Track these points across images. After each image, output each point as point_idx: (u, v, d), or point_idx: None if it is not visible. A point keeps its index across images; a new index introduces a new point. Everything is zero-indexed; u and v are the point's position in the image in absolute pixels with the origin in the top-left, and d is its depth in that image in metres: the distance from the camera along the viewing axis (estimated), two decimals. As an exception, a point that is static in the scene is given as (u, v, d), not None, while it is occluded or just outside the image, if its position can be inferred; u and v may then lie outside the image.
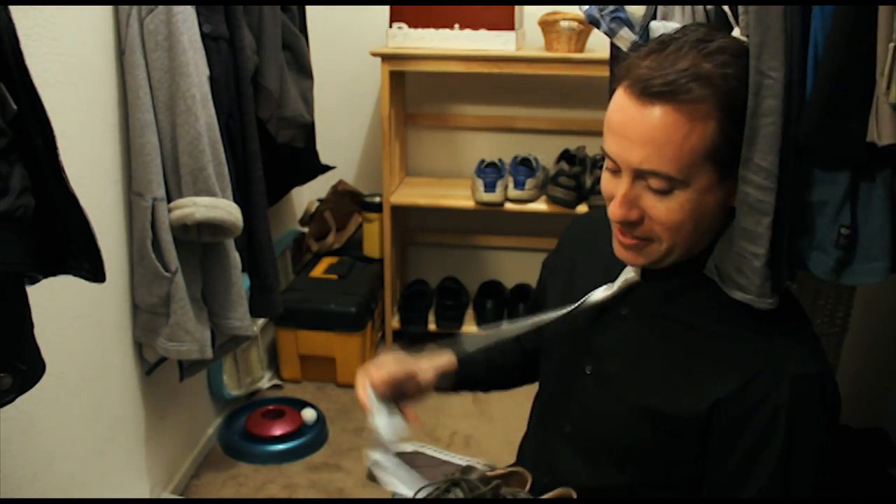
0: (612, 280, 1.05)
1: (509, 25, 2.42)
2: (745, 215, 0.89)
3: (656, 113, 0.87)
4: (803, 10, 0.86)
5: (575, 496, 1.01)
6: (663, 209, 0.90)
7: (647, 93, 0.87)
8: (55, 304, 1.44)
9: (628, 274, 1.03)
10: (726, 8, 0.97)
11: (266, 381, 2.53)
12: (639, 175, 0.90)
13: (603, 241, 1.07)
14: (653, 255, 0.96)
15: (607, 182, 0.96)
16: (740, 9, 0.93)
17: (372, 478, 1.10)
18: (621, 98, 0.91)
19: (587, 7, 1.19)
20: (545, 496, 1.03)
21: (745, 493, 0.91)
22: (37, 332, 1.03)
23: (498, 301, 2.80)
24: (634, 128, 0.89)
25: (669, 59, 0.88)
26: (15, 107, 0.91)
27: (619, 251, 0.99)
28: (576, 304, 1.06)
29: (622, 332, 1.04)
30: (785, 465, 0.89)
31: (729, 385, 0.91)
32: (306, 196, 2.93)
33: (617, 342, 1.04)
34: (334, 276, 2.65)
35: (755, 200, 0.87)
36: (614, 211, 0.93)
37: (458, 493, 1.01)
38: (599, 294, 1.05)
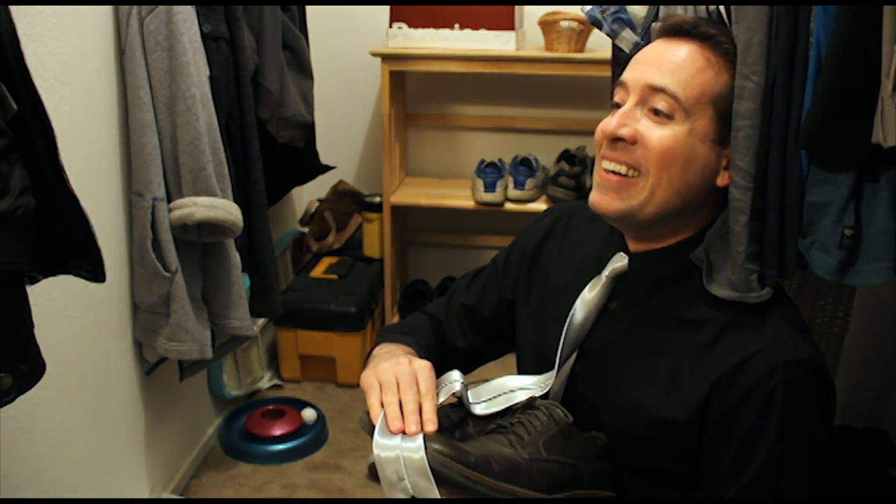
0: (590, 273, 1.05)
1: (509, 25, 2.42)
2: (731, 215, 0.93)
3: (682, 47, 0.96)
4: (794, 14, 0.87)
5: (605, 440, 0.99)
6: (657, 134, 0.93)
7: (679, 30, 0.97)
8: (55, 304, 1.44)
9: (616, 263, 1.03)
10: (721, 8, 0.98)
11: (266, 381, 2.53)
12: (645, 96, 0.94)
13: (578, 235, 1.10)
14: (633, 197, 0.95)
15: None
16: (733, 17, 0.94)
17: (373, 477, 1.08)
18: (652, 43, 1.01)
19: (589, 8, 1.19)
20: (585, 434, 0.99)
21: (740, 480, 0.91)
22: (37, 332, 1.02)
23: (498, 301, 2.80)
24: (657, 55, 0.97)
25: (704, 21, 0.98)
26: (15, 107, 0.91)
27: (597, 197, 0.98)
28: (567, 318, 1.04)
29: (611, 329, 1.03)
30: (779, 450, 0.89)
31: (722, 370, 0.91)
32: (306, 196, 2.93)
33: (606, 340, 1.03)
34: (334, 276, 2.65)
35: (734, 199, 0.92)
36: (607, 125, 0.96)
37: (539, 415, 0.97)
38: (588, 296, 1.04)
